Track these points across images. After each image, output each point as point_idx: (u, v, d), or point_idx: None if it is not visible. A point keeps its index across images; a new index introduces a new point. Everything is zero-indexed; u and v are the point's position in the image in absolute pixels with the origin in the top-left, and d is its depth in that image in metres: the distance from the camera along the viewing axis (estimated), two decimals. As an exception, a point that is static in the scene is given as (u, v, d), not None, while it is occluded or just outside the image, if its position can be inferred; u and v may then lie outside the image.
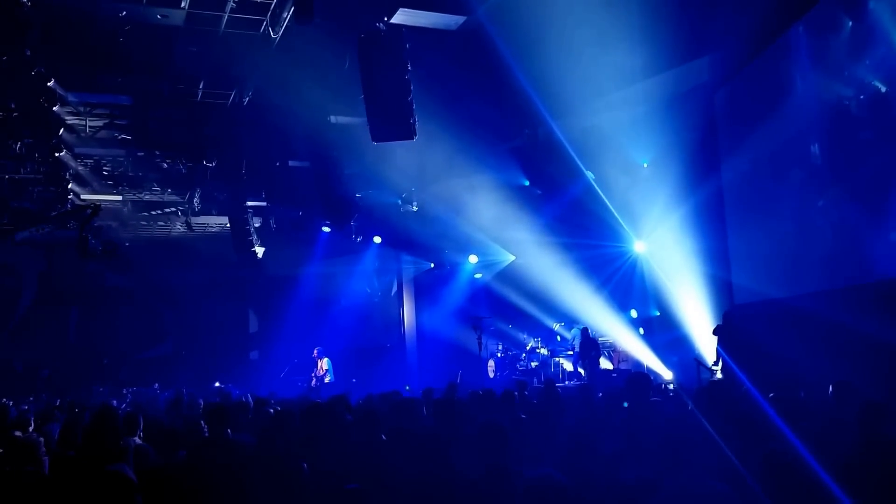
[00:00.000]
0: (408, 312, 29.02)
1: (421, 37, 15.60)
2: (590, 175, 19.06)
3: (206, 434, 7.49)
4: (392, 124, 14.42)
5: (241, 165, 23.90)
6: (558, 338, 22.59)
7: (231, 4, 15.38)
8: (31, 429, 9.74)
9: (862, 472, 5.56)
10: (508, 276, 24.40)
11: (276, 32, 15.84)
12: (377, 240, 27.47)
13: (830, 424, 7.10)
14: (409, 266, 28.91)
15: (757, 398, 8.10)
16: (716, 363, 15.30)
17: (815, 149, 13.27)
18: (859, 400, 6.76)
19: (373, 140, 14.93)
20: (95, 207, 21.32)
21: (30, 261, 30.26)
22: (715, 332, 15.45)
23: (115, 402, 18.00)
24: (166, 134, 22.10)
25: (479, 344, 19.96)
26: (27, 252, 29.52)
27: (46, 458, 7.55)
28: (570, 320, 22.14)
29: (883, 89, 11.56)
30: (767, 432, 6.38)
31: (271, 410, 11.16)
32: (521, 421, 8.67)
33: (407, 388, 24.15)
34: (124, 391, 24.88)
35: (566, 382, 20.04)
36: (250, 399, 14.44)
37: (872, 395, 7.28)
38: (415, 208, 24.10)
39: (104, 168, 24.41)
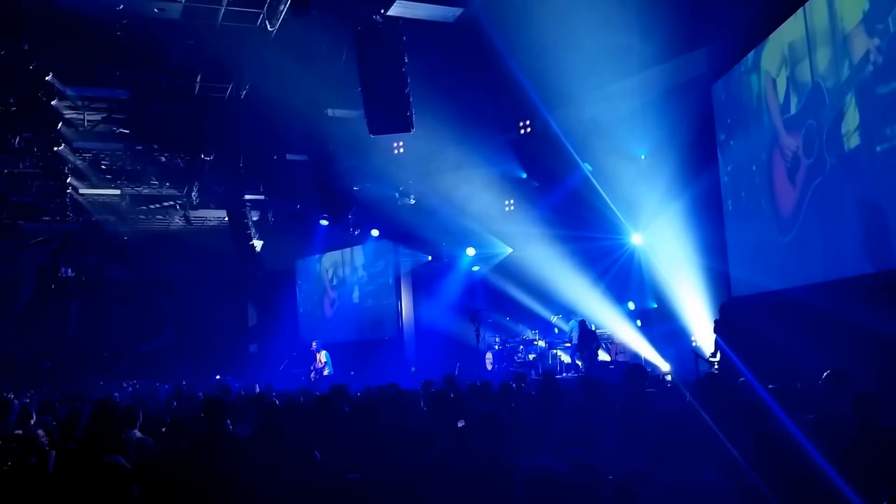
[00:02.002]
0: (405, 305, 29.03)
1: (418, 29, 15.60)
2: (587, 167, 19.09)
3: (205, 426, 7.52)
4: (389, 117, 14.44)
5: (239, 159, 23.92)
6: (556, 330, 22.63)
7: (228, -3, 15.43)
8: (32, 421, 9.80)
9: (858, 461, 5.59)
10: (506, 268, 24.41)
11: (272, 25, 15.83)
12: (375, 233, 27.52)
13: (826, 413, 7.14)
14: (407, 259, 28.90)
15: (756, 389, 8.12)
16: (713, 354, 15.33)
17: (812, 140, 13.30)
18: (855, 388, 6.79)
19: (370, 133, 14.96)
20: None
21: (30, 254, 30.27)
22: (715, 330, 15.47)
23: (116, 395, 18.06)
24: (164, 127, 22.08)
25: (477, 336, 19.99)
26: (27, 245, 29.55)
27: (52, 451, 7.61)
28: (567, 312, 22.17)
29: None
30: (765, 423, 6.41)
31: (268, 402, 11.19)
32: (520, 412, 8.71)
33: (413, 369, 24.21)
34: (124, 384, 24.93)
35: (564, 374, 20.07)
36: (255, 391, 14.46)
37: (868, 386, 7.32)
38: (412, 201, 24.12)
39: (102, 162, 24.46)
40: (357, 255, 31.12)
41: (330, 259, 32.76)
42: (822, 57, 12.45)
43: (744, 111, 15.14)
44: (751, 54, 14.65)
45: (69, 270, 23.15)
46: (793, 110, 13.37)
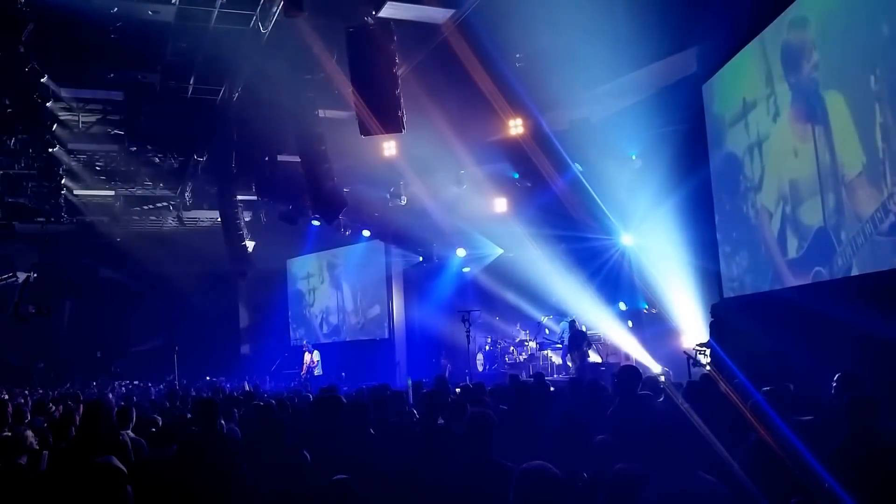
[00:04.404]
0: (397, 306, 29.05)
1: (408, 30, 15.63)
2: (578, 167, 19.09)
3: (197, 427, 7.56)
4: (380, 118, 14.47)
5: (232, 160, 23.96)
6: (546, 331, 22.67)
7: (221, -1, 15.46)
8: (26, 421, 9.83)
9: (852, 464, 5.61)
10: (497, 269, 24.43)
11: (265, 27, 15.89)
12: (366, 234, 27.54)
13: (824, 416, 7.16)
14: (398, 259, 28.93)
15: (749, 391, 8.13)
16: (703, 353, 15.36)
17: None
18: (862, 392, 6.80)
19: (361, 134, 14.99)
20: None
21: (24, 254, 30.33)
22: (710, 332, 15.50)
23: (109, 395, 18.12)
24: (158, 129, 22.15)
25: (468, 337, 20.02)
26: (22, 245, 29.58)
27: (44, 452, 7.64)
28: (558, 313, 22.21)
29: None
30: (757, 425, 6.44)
31: (261, 403, 11.25)
32: (512, 413, 8.74)
33: (409, 381, 24.36)
34: (117, 384, 25.01)
35: (555, 376, 20.11)
36: (247, 388, 14.46)
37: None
38: (403, 202, 24.13)
39: (97, 163, 24.54)
40: (348, 256, 31.20)
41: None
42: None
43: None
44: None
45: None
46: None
